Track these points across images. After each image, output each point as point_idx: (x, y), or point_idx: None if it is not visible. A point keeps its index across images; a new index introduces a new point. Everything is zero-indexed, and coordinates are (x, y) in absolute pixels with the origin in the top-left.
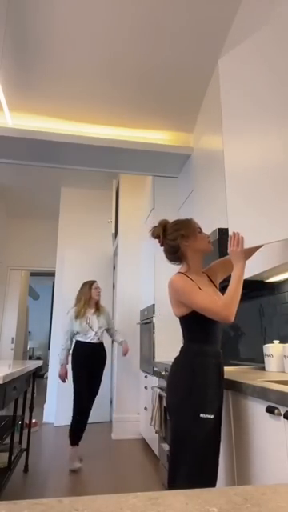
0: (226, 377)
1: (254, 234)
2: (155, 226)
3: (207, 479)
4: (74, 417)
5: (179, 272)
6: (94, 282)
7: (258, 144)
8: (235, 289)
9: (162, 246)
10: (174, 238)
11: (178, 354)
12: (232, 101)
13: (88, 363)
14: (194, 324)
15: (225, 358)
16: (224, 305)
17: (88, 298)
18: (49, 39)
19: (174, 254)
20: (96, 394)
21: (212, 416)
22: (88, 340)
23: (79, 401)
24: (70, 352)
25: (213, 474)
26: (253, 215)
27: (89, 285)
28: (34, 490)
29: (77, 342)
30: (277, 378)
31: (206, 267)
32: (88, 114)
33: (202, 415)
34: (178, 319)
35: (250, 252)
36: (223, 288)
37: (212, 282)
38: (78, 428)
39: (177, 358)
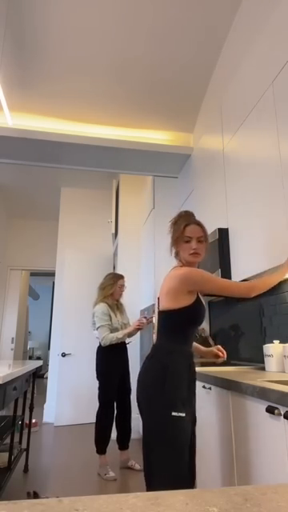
0: (226, 377)
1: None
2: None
3: (182, 480)
4: (102, 422)
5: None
6: (121, 277)
7: None
8: (270, 279)
9: None
10: (171, 237)
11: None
12: None
13: (121, 362)
14: (177, 322)
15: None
16: (251, 284)
17: (109, 294)
18: (49, 39)
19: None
20: (130, 389)
21: (184, 414)
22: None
23: (109, 404)
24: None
25: (188, 474)
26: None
27: (113, 279)
28: (34, 490)
29: None
30: (277, 378)
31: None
32: (88, 114)
33: (173, 413)
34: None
35: None
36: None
37: None
38: (108, 426)
39: (150, 355)
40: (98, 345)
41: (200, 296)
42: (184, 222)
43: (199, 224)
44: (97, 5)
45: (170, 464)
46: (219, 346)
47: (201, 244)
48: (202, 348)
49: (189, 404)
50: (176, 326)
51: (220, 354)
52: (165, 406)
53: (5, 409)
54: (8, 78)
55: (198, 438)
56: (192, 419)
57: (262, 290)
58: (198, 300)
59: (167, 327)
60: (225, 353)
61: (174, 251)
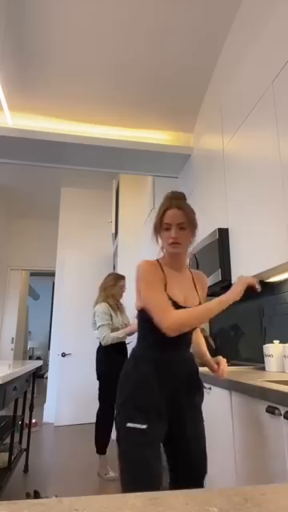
0: (226, 377)
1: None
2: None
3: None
4: (102, 422)
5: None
6: (122, 277)
7: None
8: (204, 309)
9: None
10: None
11: None
12: None
13: (121, 362)
14: (145, 323)
15: (225, 357)
16: (175, 316)
17: (111, 294)
18: (49, 39)
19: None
20: None
21: (143, 426)
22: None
23: (109, 403)
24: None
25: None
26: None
27: (115, 280)
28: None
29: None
30: (277, 378)
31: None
32: (88, 114)
33: (128, 424)
34: None
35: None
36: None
37: (196, 288)
38: (108, 426)
39: (126, 359)
40: (99, 345)
41: (170, 293)
42: (164, 207)
43: (181, 207)
44: (97, 5)
45: (129, 485)
46: (220, 359)
47: (183, 231)
48: (205, 356)
49: (160, 417)
50: (145, 327)
51: (215, 367)
52: (122, 415)
53: (5, 409)
54: (8, 78)
55: None
56: (172, 435)
57: (192, 325)
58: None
59: (139, 329)
60: (222, 369)
61: (160, 244)
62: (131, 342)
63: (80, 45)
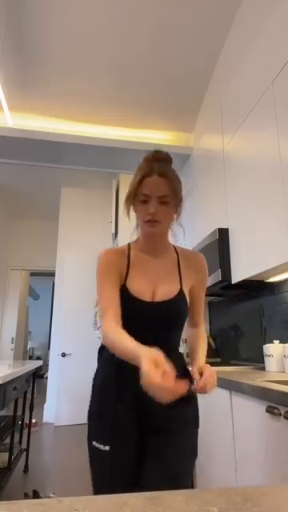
0: (226, 377)
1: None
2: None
3: None
4: None
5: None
6: None
7: None
8: (120, 348)
9: None
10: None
11: None
12: None
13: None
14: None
15: (225, 357)
16: (104, 329)
17: None
18: (49, 39)
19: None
20: None
21: (106, 448)
22: None
23: None
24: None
25: None
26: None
27: None
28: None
29: None
30: (277, 378)
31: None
32: (88, 114)
33: (94, 443)
34: None
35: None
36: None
37: (180, 274)
38: None
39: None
40: (100, 345)
41: (132, 286)
42: (142, 172)
43: (164, 174)
44: (97, 5)
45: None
46: (204, 367)
47: (164, 206)
48: (195, 364)
49: (128, 434)
50: None
51: (196, 378)
52: (89, 429)
53: (5, 409)
54: (8, 78)
55: (199, 438)
56: (147, 451)
57: (111, 348)
58: (122, 290)
59: None
60: (203, 382)
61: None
62: None
63: (80, 45)
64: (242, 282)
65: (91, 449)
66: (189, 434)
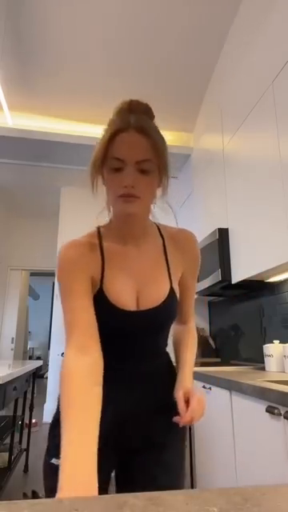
0: (226, 377)
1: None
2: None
3: None
4: None
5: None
6: None
7: None
8: (63, 402)
9: None
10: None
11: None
12: None
13: None
14: None
15: (225, 357)
16: (64, 362)
17: None
18: (49, 38)
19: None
20: None
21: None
22: None
23: None
24: None
25: None
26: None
27: None
28: (33, 490)
29: None
30: (277, 378)
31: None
32: (88, 114)
33: (53, 460)
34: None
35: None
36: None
37: (168, 265)
38: None
39: None
40: None
41: (110, 291)
42: (114, 126)
43: (145, 130)
44: (97, 5)
45: None
46: (191, 394)
47: (145, 176)
48: (179, 384)
49: (103, 448)
50: None
51: (181, 405)
52: (49, 442)
53: (5, 409)
54: (8, 77)
55: (199, 438)
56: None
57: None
58: (98, 297)
59: None
60: (189, 413)
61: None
62: None
63: (80, 45)
64: (241, 281)
65: (49, 466)
66: (176, 456)
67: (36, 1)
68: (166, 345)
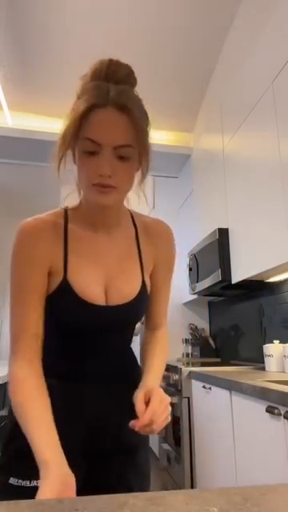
0: (226, 377)
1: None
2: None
3: None
4: None
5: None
6: None
7: None
8: (21, 411)
9: None
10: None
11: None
12: None
13: None
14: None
15: (225, 357)
16: (13, 372)
17: None
18: (49, 38)
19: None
20: None
21: (33, 484)
22: None
23: None
24: None
25: None
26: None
27: None
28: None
29: None
30: (277, 378)
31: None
32: None
33: (11, 480)
34: (175, 320)
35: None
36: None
37: (141, 256)
38: None
39: None
40: None
41: (76, 283)
42: (91, 99)
43: (126, 107)
44: (98, 4)
45: None
46: (153, 392)
47: (123, 163)
48: (142, 385)
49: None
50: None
51: (139, 407)
52: (2, 459)
53: (5, 409)
54: (8, 77)
55: (199, 438)
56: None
57: (14, 410)
58: (62, 288)
59: None
60: (145, 416)
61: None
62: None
63: (80, 44)
64: (241, 281)
65: (7, 488)
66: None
67: (37, 1)
68: (131, 342)
